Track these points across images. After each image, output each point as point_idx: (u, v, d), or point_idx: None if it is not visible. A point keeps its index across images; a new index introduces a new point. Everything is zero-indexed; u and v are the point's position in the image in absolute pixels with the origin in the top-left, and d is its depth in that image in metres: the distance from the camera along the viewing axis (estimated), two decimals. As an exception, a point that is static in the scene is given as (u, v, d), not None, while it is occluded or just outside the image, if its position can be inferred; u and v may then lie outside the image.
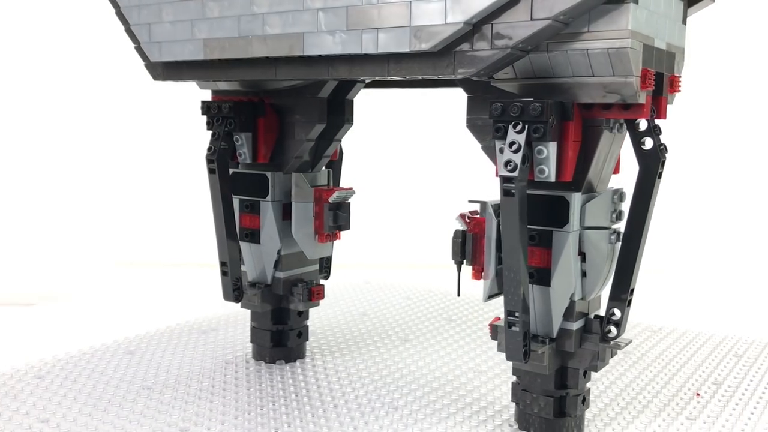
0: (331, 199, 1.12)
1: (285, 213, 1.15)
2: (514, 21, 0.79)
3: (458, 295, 1.03)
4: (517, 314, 0.86)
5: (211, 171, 1.09)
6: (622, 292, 0.91)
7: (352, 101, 1.16)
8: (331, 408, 1.01)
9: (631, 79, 0.80)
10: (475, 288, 1.71)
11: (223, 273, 1.13)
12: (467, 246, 0.99)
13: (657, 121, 0.87)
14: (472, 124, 0.95)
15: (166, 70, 1.10)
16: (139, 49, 1.12)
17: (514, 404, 1.03)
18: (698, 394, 1.08)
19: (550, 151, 0.83)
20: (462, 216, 1.00)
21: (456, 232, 1.00)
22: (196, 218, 1.61)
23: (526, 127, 0.83)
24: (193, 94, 1.22)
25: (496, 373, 1.16)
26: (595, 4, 0.77)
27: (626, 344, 0.92)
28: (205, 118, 1.15)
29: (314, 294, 1.18)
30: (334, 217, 1.13)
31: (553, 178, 0.84)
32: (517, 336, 0.87)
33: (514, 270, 0.85)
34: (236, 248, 1.12)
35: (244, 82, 1.12)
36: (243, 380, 1.11)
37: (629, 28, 0.78)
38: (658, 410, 1.02)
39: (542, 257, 0.89)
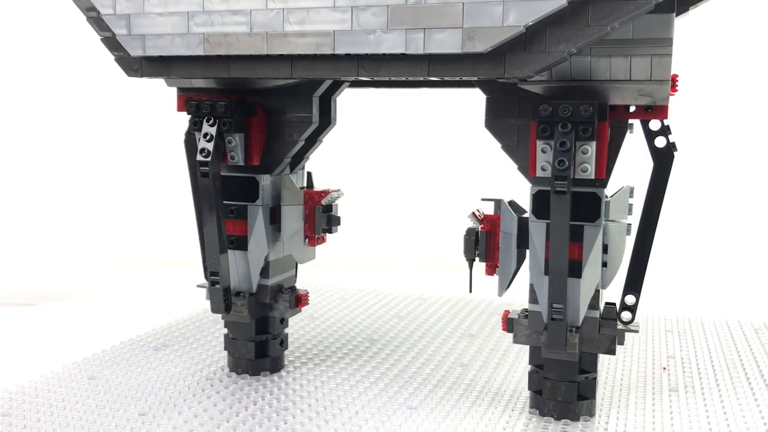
0: (324, 201, 1.10)
1: (271, 217, 1.10)
2: (571, 27, 0.82)
3: (470, 291, 1.05)
4: (560, 306, 0.90)
5: (204, 175, 1.02)
6: (637, 280, 0.98)
7: (335, 100, 1.13)
8: (354, 414, 0.99)
9: (667, 83, 0.87)
10: (412, 285, 1.73)
11: (213, 284, 1.06)
12: (480, 243, 1.02)
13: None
14: (492, 125, 0.98)
15: (148, 66, 1.01)
16: (111, 41, 1.01)
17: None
18: (664, 368, 1.19)
19: (592, 150, 0.88)
20: (474, 214, 1.03)
21: (469, 230, 1.02)
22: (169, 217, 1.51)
23: (573, 127, 0.87)
24: (163, 90, 1.12)
25: (481, 366, 1.19)
26: (643, 14, 0.83)
27: (638, 328, 1.00)
28: (177, 116, 1.07)
29: (301, 300, 1.14)
30: (328, 219, 1.10)
31: (593, 176, 0.89)
32: (561, 327, 0.91)
33: (561, 264, 0.89)
34: (227, 256, 1.06)
35: (228, 79, 1.05)
36: (243, 395, 1.05)
37: (671, 37, 0.85)
38: (642, 386, 1.11)
39: (573, 251, 0.94)
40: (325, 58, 0.92)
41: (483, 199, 1.04)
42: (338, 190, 1.12)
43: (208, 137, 1.02)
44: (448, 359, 1.22)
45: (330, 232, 1.12)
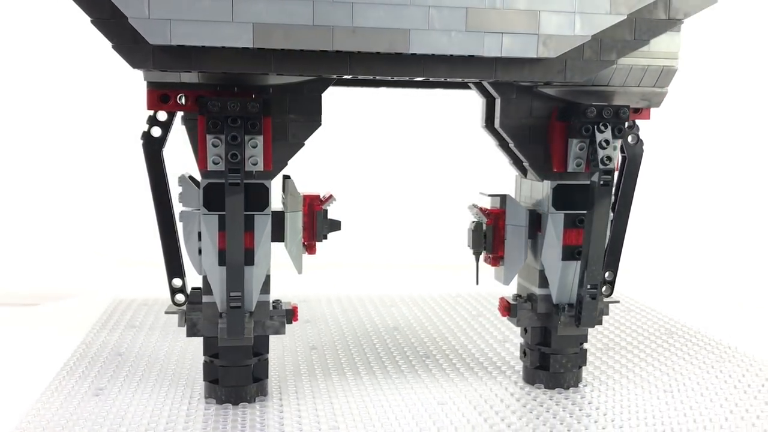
0: (324, 207, 1.04)
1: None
2: (620, 38, 0.93)
3: (477, 283, 1.10)
4: (596, 286, 1.01)
5: (235, 184, 0.90)
6: (615, 259, 1.13)
7: (317, 100, 1.07)
8: (398, 424, 0.97)
9: (666, 89, 1.03)
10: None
11: (234, 306, 0.94)
12: (488, 237, 1.07)
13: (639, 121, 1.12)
14: (505, 124, 1.04)
15: (163, 56, 0.85)
16: (110, 25, 0.83)
17: (501, 370, 1.16)
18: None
19: (618, 146, 1.00)
20: (481, 210, 1.08)
21: (477, 225, 1.07)
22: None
23: (610, 126, 0.98)
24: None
25: (450, 355, 1.24)
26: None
27: (618, 300, 1.15)
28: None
29: (294, 314, 1.06)
30: (330, 224, 1.04)
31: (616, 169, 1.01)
32: (594, 306, 1.02)
33: (600, 250, 1.00)
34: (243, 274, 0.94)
35: (223, 74, 0.93)
36: (281, 426, 0.95)
37: (677, 51, 1.00)
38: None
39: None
40: (388, 57, 0.89)
41: (490, 195, 1.09)
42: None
43: (236, 140, 0.90)
44: (413, 354, 1.25)
45: (325, 238, 1.06)
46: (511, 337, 1.35)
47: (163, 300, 1.55)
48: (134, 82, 1.03)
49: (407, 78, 0.92)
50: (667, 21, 0.94)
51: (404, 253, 1.96)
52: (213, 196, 0.96)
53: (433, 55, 0.89)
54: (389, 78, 0.93)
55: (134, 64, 0.85)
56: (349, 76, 0.91)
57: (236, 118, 0.90)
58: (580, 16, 0.90)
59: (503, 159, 1.14)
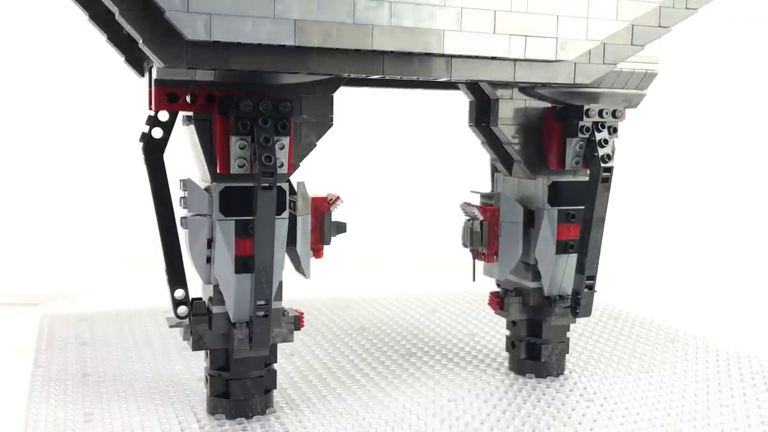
0: (332, 209, 1.01)
1: (283, 230, 0.97)
2: (620, 44, 0.99)
3: (474, 280, 1.12)
4: (592, 278, 1.06)
5: (269, 188, 0.85)
6: (593, 251, 1.20)
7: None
8: (424, 424, 0.97)
9: (646, 91, 1.10)
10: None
11: (265, 315, 0.90)
12: (484, 233, 1.10)
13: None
14: (501, 124, 1.07)
15: (197, 52, 0.79)
16: (138, 18, 0.76)
17: (486, 363, 1.19)
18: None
19: (615, 144, 1.06)
20: (478, 207, 1.10)
21: (474, 223, 1.10)
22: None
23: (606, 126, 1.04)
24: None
25: (431, 352, 1.25)
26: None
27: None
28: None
29: (301, 320, 1.02)
30: (337, 227, 1.02)
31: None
32: (592, 297, 1.07)
33: (598, 244, 1.05)
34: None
35: (235, 73, 0.89)
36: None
37: (658, 55, 1.08)
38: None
39: (573, 231, 1.10)
40: (418, 56, 0.89)
41: (483, 194, 1.12)
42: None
43: (268, 142, 0.86)
44: (397, 353, 1.25)
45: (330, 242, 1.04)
46: (475, 331, 1.39)
47: (103, 313, 1.45)
48: (134, 81, 0.96)
49: (432, 78, 0.92)
50: (659, 28, 1.01)
51: (353, 254, 1.95)
52: (231, 201, 0.91)
53: (459, 56, 0.90)
54: (416, 78, 0.93)
55: (166, 60, 0.79)
56: (378, 76, 0.90)
57: (267, 118, 0.86)
58: (591, 21, 0.95)
59: (478, 159, 1.18)
